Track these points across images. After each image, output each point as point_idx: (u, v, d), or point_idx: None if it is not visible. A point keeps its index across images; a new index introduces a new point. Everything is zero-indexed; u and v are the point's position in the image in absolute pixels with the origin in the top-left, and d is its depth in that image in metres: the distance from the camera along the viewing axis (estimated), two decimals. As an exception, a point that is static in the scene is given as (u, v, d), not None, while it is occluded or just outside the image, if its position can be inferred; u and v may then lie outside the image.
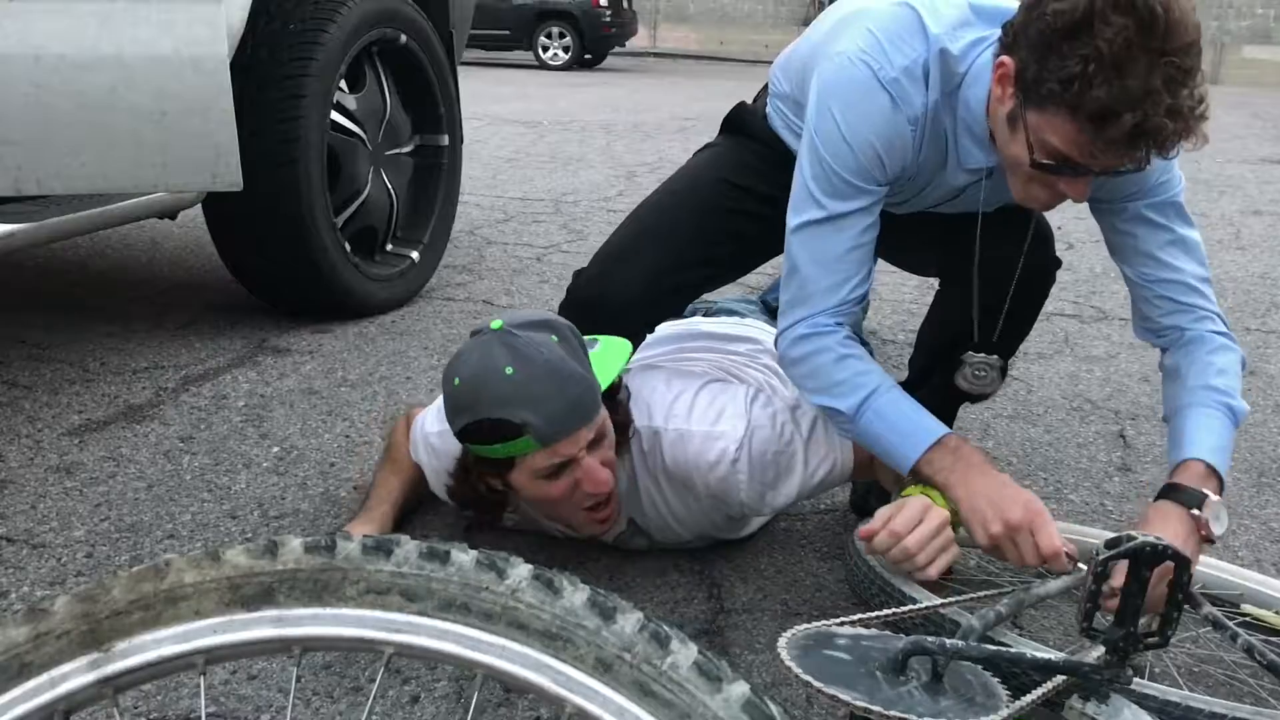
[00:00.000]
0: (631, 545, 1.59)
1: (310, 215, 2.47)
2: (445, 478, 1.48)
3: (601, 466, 1.32)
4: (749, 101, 1.74)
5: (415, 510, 1.70)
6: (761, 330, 1.89)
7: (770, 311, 2.07)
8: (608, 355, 1.37)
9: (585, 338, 1.35)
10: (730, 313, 2.04)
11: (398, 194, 2.90)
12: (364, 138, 2.74)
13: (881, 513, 1.31)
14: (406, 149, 2.97)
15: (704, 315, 2.04)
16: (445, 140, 3.05)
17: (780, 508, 1.54)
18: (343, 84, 2.63)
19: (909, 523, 1.28)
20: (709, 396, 1.48)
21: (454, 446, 1.41)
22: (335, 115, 2.60)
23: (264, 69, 2.39)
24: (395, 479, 1.63)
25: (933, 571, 1.27)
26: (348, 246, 2.64)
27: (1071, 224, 4.34)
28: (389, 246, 2.93)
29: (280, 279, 2.62)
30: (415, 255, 2.95)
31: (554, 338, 1.27)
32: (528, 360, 1.24)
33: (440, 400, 1.44)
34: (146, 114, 1.31)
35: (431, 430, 1.53)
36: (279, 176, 2.41)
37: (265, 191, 2.41)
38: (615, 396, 1.42)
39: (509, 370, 1.23)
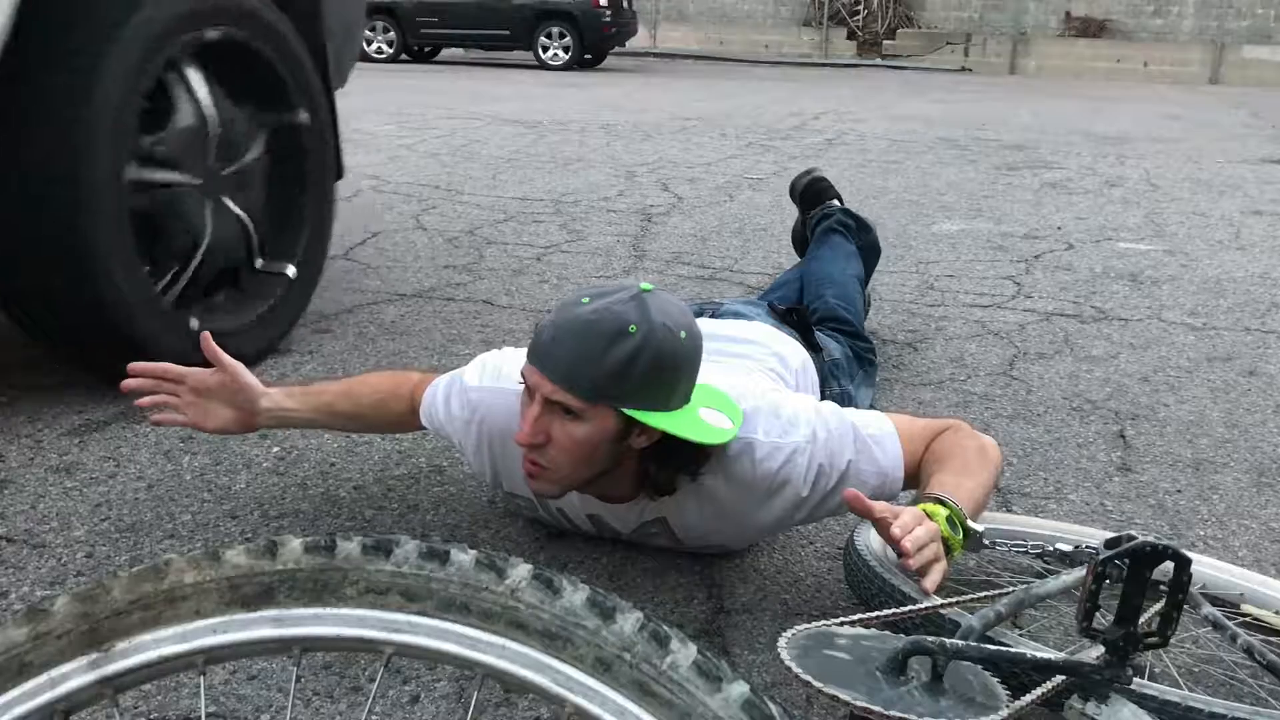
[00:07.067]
0: (651, 542, 1.59)
1: (116, 302, 1.98)
2: (474, 430, 1.53)
3: (536, 424, 1.33)
4: None
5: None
6: (769, 333, 1.89)
7: (777, 314, 2.06)
8: (715, 406, 1.40)
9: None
10: (737, 315, 2.03)
11: (250, 214, 2.37)
12: (187, 180, 2.18)
13: (880, 504, 1.30)
14: (251, 154, 2.38)
15: (710, 317, 2.03)
16: (304, 116, 2.46)
17: (830, 514, 1.54)
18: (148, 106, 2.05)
19: (910, 521, 1.27)
20: (771, 405, 1.48)
21: (498, 399, 1.50)
22: (141, 172, 2.06)
23: (28, 112, 1.86)
24: (328, 387, 1.68)
25: (913, 564, 1.23)
26: (195, 323, 2.13)
27: (1071, 224, 4.36)
28: (259, 266, 2.43)
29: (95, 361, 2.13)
30: (291, 271, 2.47)
31: (682, 334, 1.32)
32: (591, 305, 1.31)
33: (473, 364, 1.57)
34: None
35: (472, 384, 1.55)
36: (59, 257, 1.91)
37: (47, 285, 1.94)
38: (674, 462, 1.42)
39: (585, 300, 1.33)
